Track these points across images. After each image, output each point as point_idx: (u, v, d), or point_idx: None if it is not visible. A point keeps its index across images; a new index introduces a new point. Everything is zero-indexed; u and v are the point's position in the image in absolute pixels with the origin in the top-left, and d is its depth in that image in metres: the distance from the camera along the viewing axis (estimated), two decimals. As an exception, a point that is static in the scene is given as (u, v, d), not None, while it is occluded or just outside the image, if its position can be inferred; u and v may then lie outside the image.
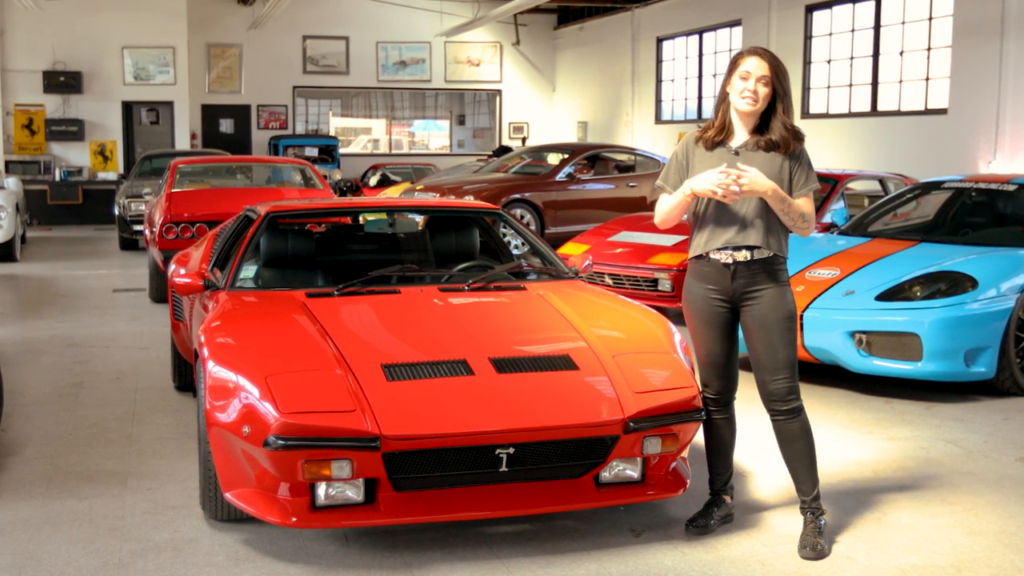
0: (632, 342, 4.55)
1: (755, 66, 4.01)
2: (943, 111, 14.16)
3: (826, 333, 6.59)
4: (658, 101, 21.72)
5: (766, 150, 4.07)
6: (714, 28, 19.64)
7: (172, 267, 6.80)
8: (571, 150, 15.26)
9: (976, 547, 4.20)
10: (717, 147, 4.14)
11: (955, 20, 13.88)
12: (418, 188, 14.97)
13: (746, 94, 4.02)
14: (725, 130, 4.13)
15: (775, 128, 4.06)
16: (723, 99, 4.14)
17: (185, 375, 6.58)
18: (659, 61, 21.64)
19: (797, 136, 4.09)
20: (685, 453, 4.52)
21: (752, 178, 3.91)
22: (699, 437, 5.07)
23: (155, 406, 6.36)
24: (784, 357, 4.10)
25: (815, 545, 4.07)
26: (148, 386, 6.87)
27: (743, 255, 4.07)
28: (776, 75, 4.02)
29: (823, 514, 4.21)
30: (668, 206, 4.17)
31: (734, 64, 4.07)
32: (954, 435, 5.82)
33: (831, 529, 4.34)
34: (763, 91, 4.01)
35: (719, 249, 4.09)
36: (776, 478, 4.99)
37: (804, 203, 4.09)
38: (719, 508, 4.37)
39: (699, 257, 4.17)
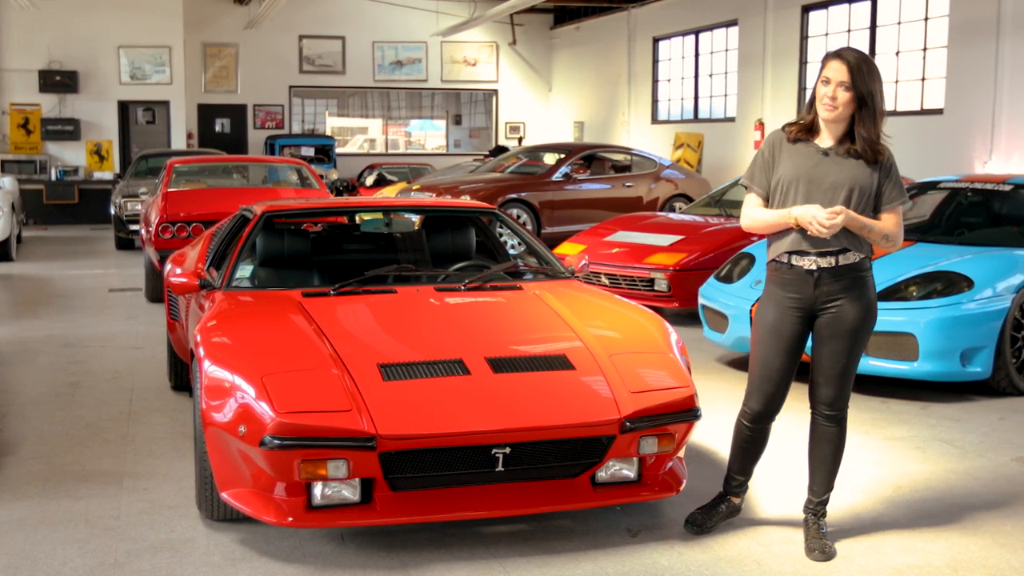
0: (628, 342, 4.55)
1: (835, 71, 3.88)
2: (939, 111, 14.17)
3: (822, 333, 6.58)
4: (654, 101, 21.72)
5: (855, 158, 3.97)
6: (710, 28, 19.64)
7: (168, 266, 6.79)
8: (567, 150, 15.26)
9: (972, 547, 4.20)
10: (802, 142, 4.02)
11: (951, 20, 13.89)
12: (414, 188, 14.97)
13: (826, 101, 3.90)
14: (812, 130, 4.02)
15: (856, 139, 3.95)
16: (814, 99, 4.00)
17: (181, 375, 6.58)
18: (655, 61, 21.65)
19: (877, 149, 3.95)
20: (681, 453, 4.52)
21: (845, 220, 3.84)
22: (698, 436, 5.07)
23: (151, 406, 6.35)
24: (844, 367, 4.04)
25: (823, 548, 4.07)
26: (144, 386, 6.86)
27: (827, 261, 3.97)
28: (856, 78, 3.86)
29: (824, 516, 4.21)
30: (764, 221, 4.04)
31: (821, 66, 3.96)
32: (950, 435, 5.82)
33: (829, 529, 4.34)
34: (843, 96, 3.88)
35: (802, 255, 4.00)
36: (774, 479, 4.99)
37: (888, 220, 3.99)
38: (724, 506, 4.35)
39: (780, 264, 4.07)
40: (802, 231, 3.97)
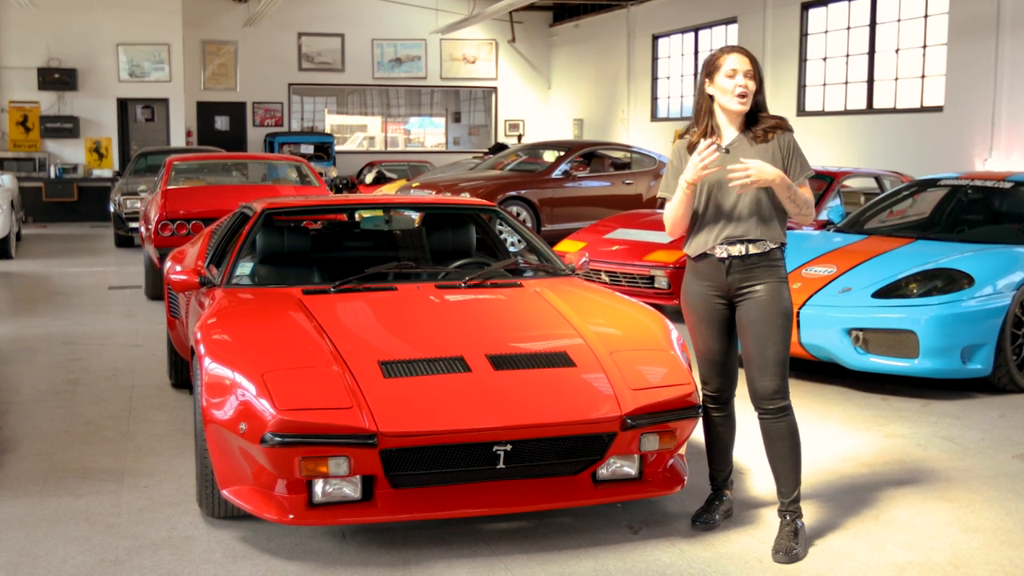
0: (629, 339, 4.55)
1: (739, 62, 4.01)
2: (939, 108, 14.17)
3: (823, 330, 6.59)
4: (654, 99, 21.71)
5: (757, 142, 4.06)
6: (710, 26, 19.64)
7: (168, 264, 6.79)
8: (567, 147, 15.24)
9: (974, 544, 4.20)
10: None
11: (951, 17, 13.89)
12: (414, 185, 14.96)
13: (739, 91, 4.00)
14: (708, 134, 4.10)
15: (763, 119, 4.08)
16: (702, 102, 4.11)
17: (181, 372, 6.58)
18: (655, 58, 21.64)
19: (781, 119, 4.12)
20: (682, 450, 4.52)
21: (758, 168, 3.88)
22: (698, 434, 5.07)
23: (151, 403, 6.35)
24: (773, 354, 4.05)
25: (789, 550, 4.01)
26: (144, 383, 6.86)
27: (738, 249, 4.05)
28: (755, 66, 4.04)
29: (800, 516, 4.13)
30: (672, 208, 4.13)
31: (714, 66, 4.05)
32: (951, 432, 5.82)
33: (829, 525, 4.35)
34: (752, 85, 4.02)
35: (715, 245, 4.08)
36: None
37: (804, 191, 4.10)
38: (721, 503, 4.37)
39: (699, 256, 4.15)
40: (711, 223, 4.06)
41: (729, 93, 4.02)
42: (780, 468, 4.13)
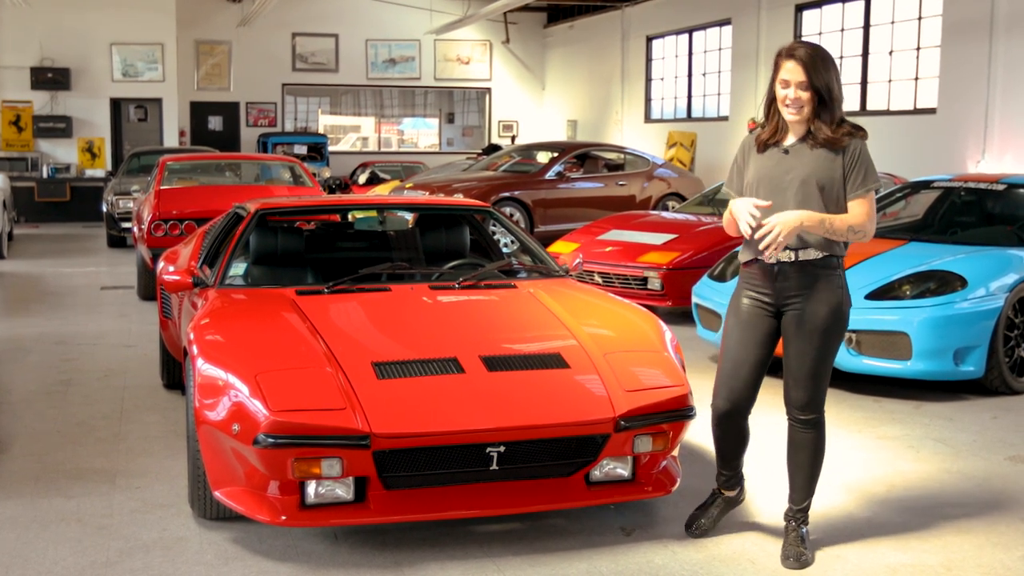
0: (623, 341, 4.55)
1: (791, 72, 3.84)
2: (932, 111, 14.19)
3: (816, 332, 6.58)
4: (647, 100, 21.72)
5: (817, 147, 3.91)
6: (704, 27, 19.65)
7: (161, 264, 6.78)
8: (560, 148, 15.26)
9: (966, 546, 4.20)
10: (770, 147, 4.00)
11: (944, 20, 13.91)
12: (407, 186, 14.96)
13: (788, 102, 3.88)
14: (778, 131, 3.98)
15: (819, 129, 3.89)
16: (772, 100, 3.98)
17: (173, 373, 6.56)
18: (649, 60, 21.65)
19: (847, 133, 3.90)
20: (676, 451, 4.51)
21: (780, 227, 3.76)
22: (692, 435, 5.07)
23: (143, 404, 6.33)
24: (811, 368, 3.95)
25: (799, 555, 3.99)
26: (136, 384, 6.84)
27: (787, 255, 3.91)
28: (812, 75, 3.81)
29: (806, 524, 4.12)
30: (725, 220, 4.07)
31: (775, 65, 3.92)
32: (943, 434, 5.83)
33: (822, 527, 4.34)
34: (805, 95, 3.84)
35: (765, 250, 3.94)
36: (768, 478, 4.98)
37: (856, 209, 3.90)
38: (713, 504, 4.33)
39: (749, 262, 4.06)
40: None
41: (780, 102, 3.92)
42: (797, 476, 4.10)
